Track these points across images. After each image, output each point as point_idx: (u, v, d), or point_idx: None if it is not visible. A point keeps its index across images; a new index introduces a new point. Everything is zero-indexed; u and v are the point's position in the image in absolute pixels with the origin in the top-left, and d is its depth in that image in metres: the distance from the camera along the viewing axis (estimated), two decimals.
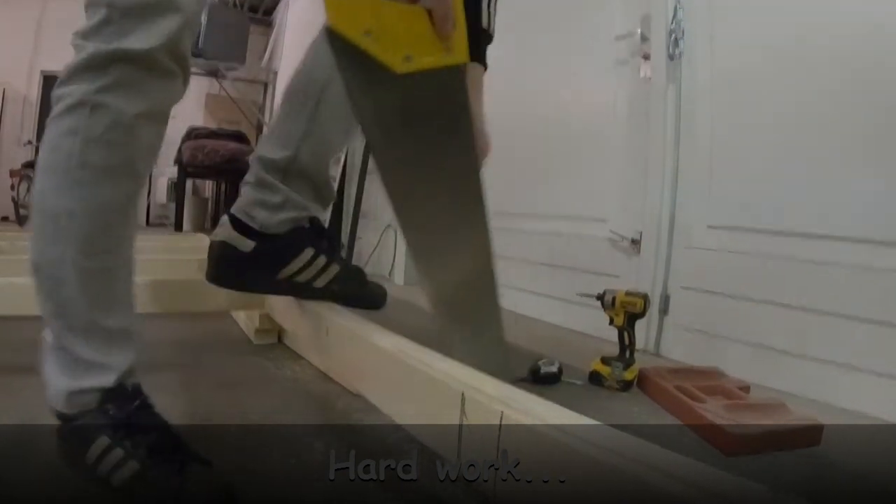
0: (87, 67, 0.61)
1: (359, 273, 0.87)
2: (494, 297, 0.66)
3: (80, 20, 0.64)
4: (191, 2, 0.64)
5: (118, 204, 0.65)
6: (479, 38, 0.77)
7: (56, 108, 0.63)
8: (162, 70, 0.64)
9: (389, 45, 0.52)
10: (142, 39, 0.61)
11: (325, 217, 0.85)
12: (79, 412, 0.65)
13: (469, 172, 0.62)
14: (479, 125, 0.76)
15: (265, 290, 0.83)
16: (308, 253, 0.81)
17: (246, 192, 0.83)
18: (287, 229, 0.81)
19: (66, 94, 0.62)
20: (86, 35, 0.62)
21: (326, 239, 0.85)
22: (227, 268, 0.81)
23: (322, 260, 0.82)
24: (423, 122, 0.59)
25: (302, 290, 0.82)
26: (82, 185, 0.62)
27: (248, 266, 0.80)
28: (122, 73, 0.61)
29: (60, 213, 0.62)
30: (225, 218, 0.83)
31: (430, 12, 0.55)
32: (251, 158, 0.84)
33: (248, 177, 0.83)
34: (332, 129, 0.81)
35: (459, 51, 0.58)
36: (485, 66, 0.79)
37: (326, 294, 0.82)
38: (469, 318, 0.64)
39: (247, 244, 0.80)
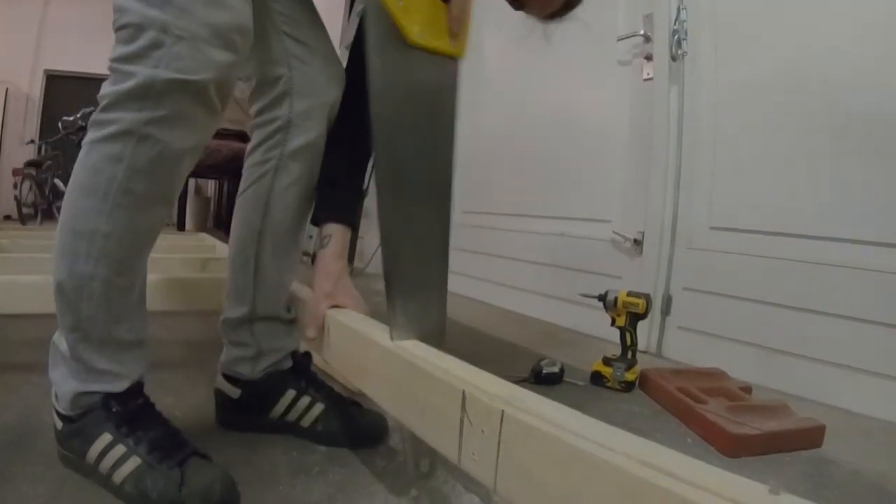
0: (139, 96, 0.59)
1: (351, 407, 0.86)
2: (443, 272, 0.70)
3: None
4: (244, 43, 0.64)
5: (151, 228, 0.67)
6: (358, 202, 0.83)
7: (97, 133, 0.61)
8: (210, 105, 0.63)
9: (413, 18, 0.63)
10: (197, 69, 0.59)
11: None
12: (83, 412, 0.66)
13: (445, 153, 0.68)
14: (355, 294, 0.79)
15: (263, 430, 0.86)
16: (290, 395, 0.85)
17: (226, 351, 0.87)
18: (268, 375, 0.86)
19: (110, 121, 0.60)
20: (130, 59, 0.59)
21: (308, 378, 0.87)
22: (225, 412, 0.87)
23: (305, 400, 0.85)
24: (419, 96, 0.66)
25: (294, 430, 0.85)
26: (123, 210, 0.62)
27: (240, 410, 0.86)
28: (175, 104, 0.60)
29: (97, 234, 0.61)
30: (219, 366, 0.88)
31: (449, 9, 0.65)
32: (220, 322, 0.87)
33: (222, 336, 0.87)
34: (276, 270, 0.84)
35: (460, 47, 0.68)
36: (354, 227, 0.83)
37: (313, 436, 0.84)
38: (417, 285, 0.67)
39: (234, 391, 0.86)
